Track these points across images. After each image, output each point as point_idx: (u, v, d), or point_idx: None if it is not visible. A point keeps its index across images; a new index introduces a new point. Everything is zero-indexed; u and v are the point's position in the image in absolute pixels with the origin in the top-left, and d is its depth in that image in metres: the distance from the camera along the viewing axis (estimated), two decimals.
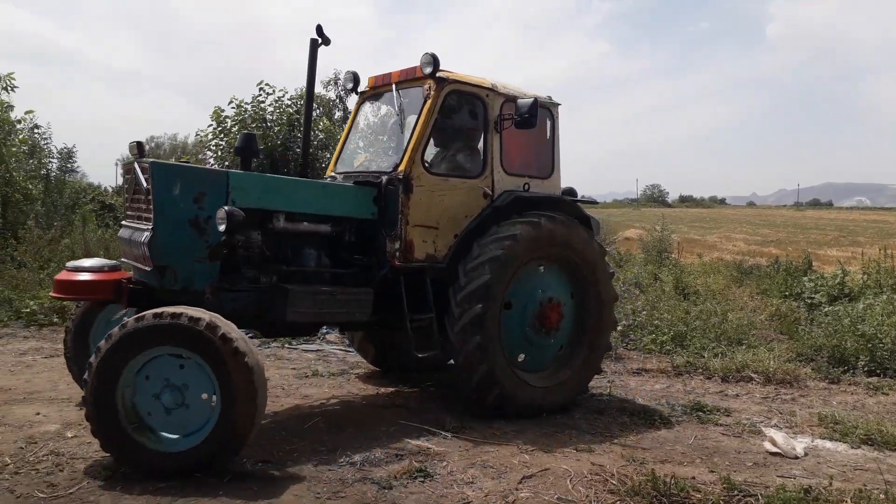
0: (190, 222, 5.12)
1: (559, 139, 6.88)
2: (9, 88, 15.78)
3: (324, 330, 9.45)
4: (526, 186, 6.53)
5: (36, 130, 16.49)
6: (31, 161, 16.12)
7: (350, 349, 8.74)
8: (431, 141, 6.19)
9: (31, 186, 15.33)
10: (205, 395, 4.38)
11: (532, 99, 6.07)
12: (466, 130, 6.50)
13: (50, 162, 16.68)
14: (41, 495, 4.11)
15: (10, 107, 15.79)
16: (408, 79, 6.29)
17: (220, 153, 12.80)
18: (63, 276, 5.37)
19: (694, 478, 4.63)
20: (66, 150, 26.24)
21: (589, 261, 6.43)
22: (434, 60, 5.91)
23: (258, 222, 5.48)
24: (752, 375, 7.99)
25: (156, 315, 4.32)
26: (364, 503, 4.13)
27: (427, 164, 6.03)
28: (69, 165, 30.03)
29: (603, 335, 6.62)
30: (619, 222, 38.85)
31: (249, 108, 12.85)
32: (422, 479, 4.52)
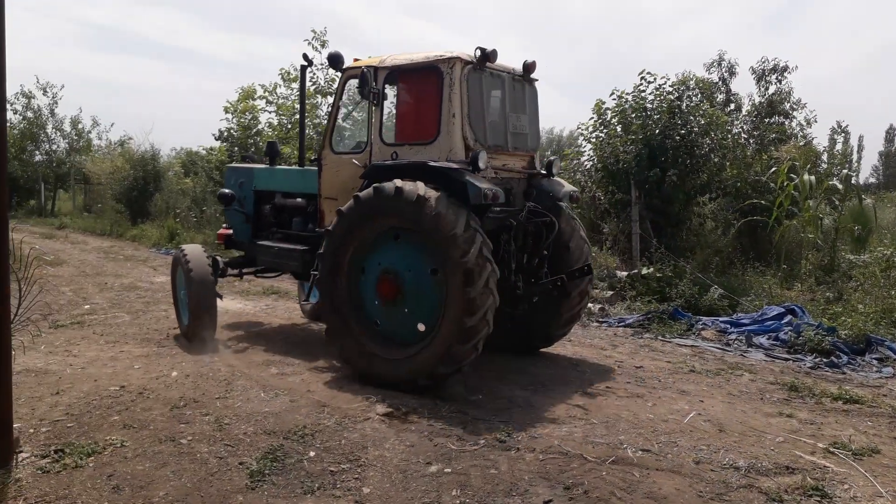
0: (237, 200, 8.45)
1: (454, 100, 6.29)
2: None
3: (699, 325, 9.26)
4: (394, 155, 6.64)
5: None
6: None
7: (728, 348, 8.34)
8: (347, 122, 7.33)
9: None
10: None
11: (360, 68, 6.70)
12: (363, 109, 7.10)
13: None
14: (452, 447, 4.84)
15: None
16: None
17: (599, 144, 13.19)
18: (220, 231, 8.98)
19: None
20: None
21: (444, 238, 5.76)
22: (332, 60, 6.98)
23: (268, 199, 8.37)
24: None
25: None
26: None
27: (332, 145, 7.23)
28: None
29: (461, 313, 5.72)
30: None
31: (630, 99, 12.96)
32: (818, 499, 4.11)
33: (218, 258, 8.31)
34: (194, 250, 8.08)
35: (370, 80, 6.66)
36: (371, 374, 6.25)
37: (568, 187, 7.31)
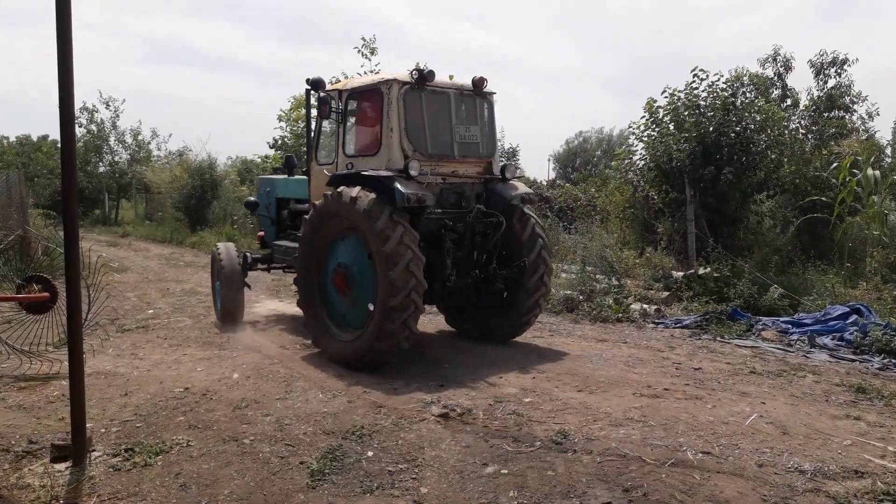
0: (265, 206, 10.10)
1: (392, 116, 7.29)
2: None
3: (759, 325, 9.03)
4: (349, 166, 7.68)
5: None
6: None
7: (790, 349, 8.10)
8: (331, 138, 8.40)
9: None
10: None
11: (328, 91, 7.96)
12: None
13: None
14: (508, 448, 4.84)
15: None
16: None
17: (651, 143, 13.00)
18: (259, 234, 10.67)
19: None
20: (511, 150, 29.62)
21: (371, 230, 6.76)
22: (313, 84, 7.96)
23: (286, 205, 9.80)
24: None
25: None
26: None
27: (317, 158, 8.46)
28: (513, 162, 33.88)
29: (385, 295, 6.63)
30: None
31: (682, 97, 12.73)
32: None
33: (248, 254, 9.64)
34: (227, 248, 9.56)
35: (335, 101, 7.87)
36: (334, 355, 7.27)
37: (522, 190, 8.03)
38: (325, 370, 6.94)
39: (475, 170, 8.01)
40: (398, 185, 6.91)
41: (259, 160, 23.08)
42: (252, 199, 10.52)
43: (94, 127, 33.01)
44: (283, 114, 20.38)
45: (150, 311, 10.25)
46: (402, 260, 6.62)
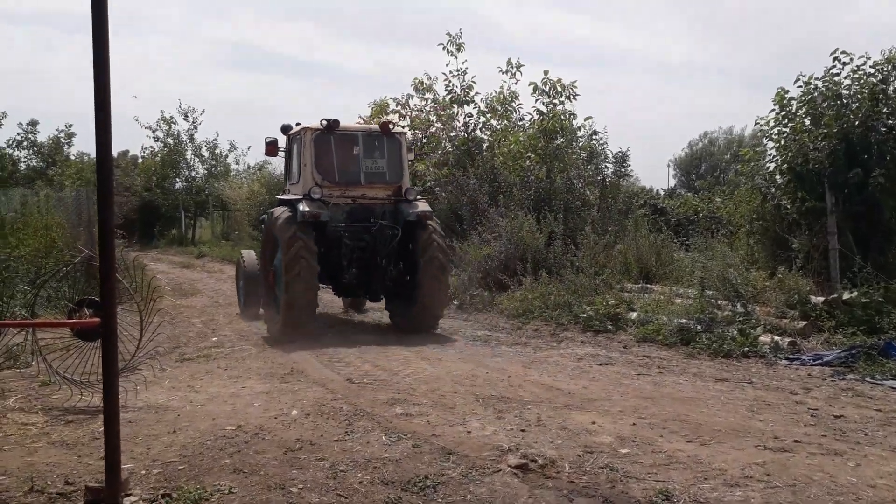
0: None
1: (305, 154, 11.16)
2: (571, 97, 18.32)
3: None
4: (286, 191, 12.16)
5: (594, 137, 18.65)
6: (588, 167, 18.33)
7: None
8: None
9: (588, 192, 17.43)
10: None
11: (273, 139, 12.29)
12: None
13: (606, 167, 18.63)
14: None
15: (573, 115, 18.22)
16: None
17: (783, 142, 12.25)
18: None
19: None
20: (620, 154, 28.92)
21: (280, 240, 10.41)
22: (282, 129, 12.22)
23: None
24: None
25: None
26: None
27: (287, 188, 12.45)
28: (623, 169, 33.00)
29: (283, 292, 10.21)
30: None
31: (820, 85, 11.93)
32: None
33: None
34: (249, 255, 13.21)
35: (283, 142, 12.25)
36: (272, 334, 10.79)
37: (420, 209, 11.23)
38: (392, 407, 6.82)
39: (384, 193, 11.54)
40: (299, 206, 10.50)
41: None
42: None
43: (170, 140, 34.65)
44: (362, 120, 20.77)
45: (214, 339, 10.56)
46: (296, 267, 10.00)
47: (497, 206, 16.24)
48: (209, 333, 10.97)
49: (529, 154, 18.50)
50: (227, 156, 35.67)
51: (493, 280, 14.43)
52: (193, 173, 35.36)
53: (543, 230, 15.04)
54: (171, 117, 34.50)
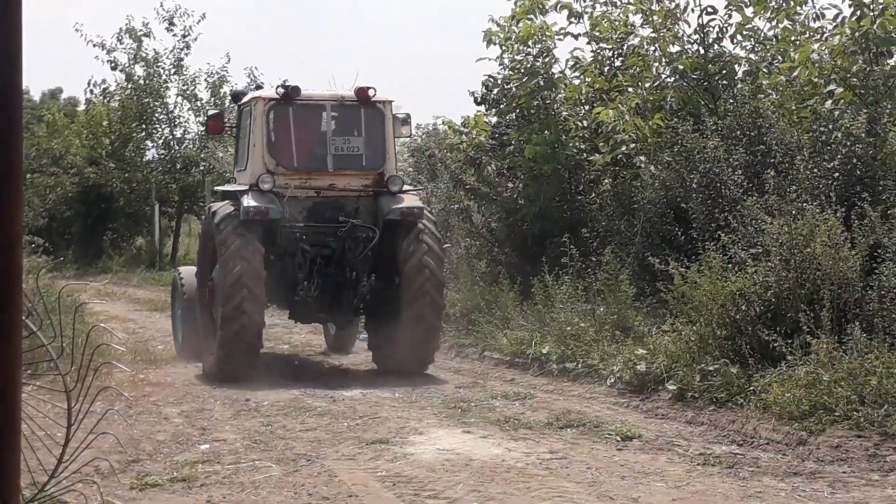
0: None
1: (255, 132, 9.11)
2: None
3: None
4: (233, 180, 10.44)
5: None
6: None
7: None
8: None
9: None
10: None
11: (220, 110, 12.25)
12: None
13: None
14: None
15: None
16: None
17: None
18: None
19: None
20: None
21: (217, 241, 8.75)
22: (233, 96, 11.01)
23: None
24: None
25: None
26: None
27: (233, 176, 10.97)
28: None
29: (221, 308, 8.49)
30: None
31: None
32: None
33: None
34: (189, 272, 10.50)
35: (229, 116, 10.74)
36: (206, 372, 9.21)
37: (405, 205, 9.08)
38: None
39: (360, 182, 9.46)
40: (243, 200, 8.63)
41: (446, 128, 14.27)
42: None
43: (140, 69, 19.64)
44: (497, 28, 12.63)
45: (204, 447, 6.34)
46: (235, 271, 8.24)
47: (764, 191, 9.35)
48: (195, 436, 6.55)
49: (833, 88, 10.54)
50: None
51: (747, 341, 8.05)
52: (180, 132, 20.14)
53: (858, 241, 8.21)
54: (145, 25, 19.96)
